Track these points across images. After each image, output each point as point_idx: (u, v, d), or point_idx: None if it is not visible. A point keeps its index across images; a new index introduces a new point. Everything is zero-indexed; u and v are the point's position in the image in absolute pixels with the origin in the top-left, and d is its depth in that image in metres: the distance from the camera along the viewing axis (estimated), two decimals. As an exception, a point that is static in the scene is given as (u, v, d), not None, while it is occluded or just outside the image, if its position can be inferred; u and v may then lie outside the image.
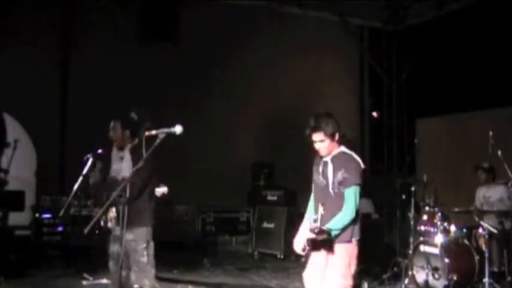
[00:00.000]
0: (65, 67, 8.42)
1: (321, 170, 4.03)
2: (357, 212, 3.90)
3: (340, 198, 3.89)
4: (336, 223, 3.82)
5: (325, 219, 3.86)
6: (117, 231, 4.75)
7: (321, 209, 3.91)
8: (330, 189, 3.94)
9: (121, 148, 4.95)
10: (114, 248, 4.76)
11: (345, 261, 3.90)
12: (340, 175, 3.89)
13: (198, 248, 9.13)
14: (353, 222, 3.90)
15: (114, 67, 8.53)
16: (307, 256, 4.04)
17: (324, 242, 3.78)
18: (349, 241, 3.91)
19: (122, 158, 4.91)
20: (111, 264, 4.81)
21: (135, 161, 4.44)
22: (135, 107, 4.98)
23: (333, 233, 3.79)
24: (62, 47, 8.47)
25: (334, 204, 3.89)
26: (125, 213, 4.04)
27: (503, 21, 8.52)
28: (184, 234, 9.16)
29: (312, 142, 3.98)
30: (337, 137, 3.98)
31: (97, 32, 8.45)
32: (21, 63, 8.10)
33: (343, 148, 4.06)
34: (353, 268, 3.96)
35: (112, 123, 4.87)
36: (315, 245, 3.82)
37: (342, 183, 3.88)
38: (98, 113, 8.47)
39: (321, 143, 3.95)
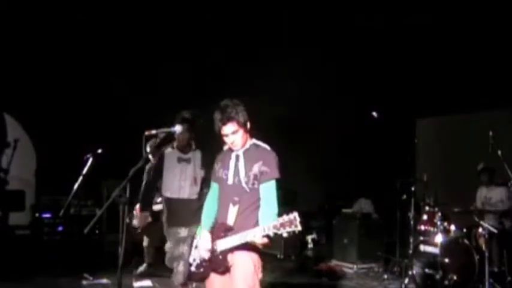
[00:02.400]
0: (66, 66, 8.42)
1: (229, 164, 3.56)
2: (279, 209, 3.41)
3: (256, 194, 3.45)
4: (269, 220, 3.29)
5: (240, 219, 3.44)
6: (182, 232, 4.94)
7: (233, 209, 3.48)
8: (244, 185, 3.46)
9: (182, 150, 5.06)
10: (182, 249, 4.92)
11: (251, 269, 3.44)
12: (256, 168, 3.43)
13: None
14: None
15: (115, 67, 8.54)
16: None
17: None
18: (255, 249, 3.45)
19: (187, 160, 5.05)
20: (181, 265, 4.92)
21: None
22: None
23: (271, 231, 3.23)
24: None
25: (249, 202, 3.45)
26: (125, 212, 4.04)
27: (503, 22, 8.52)
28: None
29: (221, 137, 3.55)
30: (249, 126, 3.55)
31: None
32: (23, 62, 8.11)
33: (254, 140, 3.62)
34: (260, 275, 3.52)
35: (182, 127, 4.50)
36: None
37: (258, 178, 3.42)
38: (99, 112, 8.53)
39: (234, 134, 3.48)
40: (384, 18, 10.58)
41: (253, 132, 3.65)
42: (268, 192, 3.43)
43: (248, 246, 3.40)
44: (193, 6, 8.68)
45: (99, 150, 6.32)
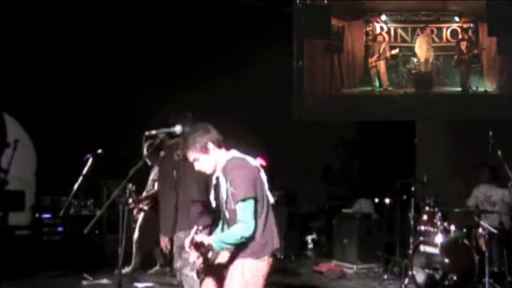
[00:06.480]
0: (66, 66, 8.41)
1: (214, 185, 3.55)
2: (255, 228, 3.32)
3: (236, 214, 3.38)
4: (228, 237, 3.32)
5: None
6: None
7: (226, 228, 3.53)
8: (226, 205, 3.43)
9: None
10: None
11: (244, 279, 3.39)
12: (229, 189, 3.37)
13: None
14: (264, 237, 3.39)
15: (113, 66, 8.53)
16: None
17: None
18: (256, 257, 3.39)
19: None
20: None
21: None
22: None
23: (221, 245, 3.31)
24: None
25: (234, 222, 3.38)
26: (125, 213, 4.04)
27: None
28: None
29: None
30: (210, 146, 3.45)
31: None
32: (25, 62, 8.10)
33: (232, 153, 3.51)
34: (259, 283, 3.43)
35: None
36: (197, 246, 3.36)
37: (233, 198, 3.35)
38: (99, 112, 8.52)
39: (196, 162, 3.49)
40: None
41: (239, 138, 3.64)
42: (240, 213, 3.32)
43: (250, 254, 3.39)
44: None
45: (99, 150, 6.32)
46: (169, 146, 4.73)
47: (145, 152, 6.11)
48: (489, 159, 6.58)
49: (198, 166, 3.51)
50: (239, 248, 3.37)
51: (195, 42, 9.14)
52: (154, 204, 5.96)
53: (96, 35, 8.45)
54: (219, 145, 3.50)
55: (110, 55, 8.50)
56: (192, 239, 3.32)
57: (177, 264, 4.52)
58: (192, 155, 3.48)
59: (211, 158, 3.47)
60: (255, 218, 3.33)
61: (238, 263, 3.40)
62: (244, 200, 3.30)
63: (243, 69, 9.28)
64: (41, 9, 8.09)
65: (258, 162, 3.54)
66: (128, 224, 6.56)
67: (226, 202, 3.42)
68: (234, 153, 3.52)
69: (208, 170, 3.52)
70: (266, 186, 3.52)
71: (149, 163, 6.11)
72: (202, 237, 3.32)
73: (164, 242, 4.54)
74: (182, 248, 4.33)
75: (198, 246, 3.30)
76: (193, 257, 3.45)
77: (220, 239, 3.32)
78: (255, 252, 3.38)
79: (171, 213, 4.44)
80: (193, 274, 4.43)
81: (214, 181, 3.53)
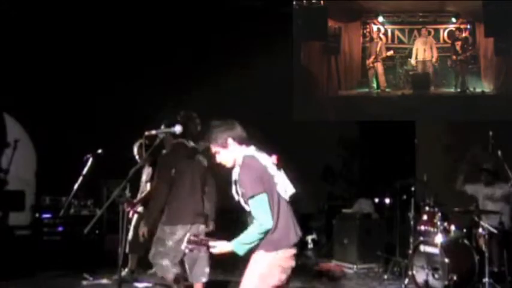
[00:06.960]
0: (66, 65, 8.42)
1: (235, 181, 3.60)
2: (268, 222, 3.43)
3: None
4: (245, 238, 3.43)
5: None
6: None
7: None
8: (244, 203, 3.55)
9: None
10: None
11: (260, 270, 3.50)
12: (238, 188, 3.53)
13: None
14: (276, 232, 3.48)
15: (113, 66, 8.54)
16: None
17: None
18: (270, 250, 3.48)
19: None
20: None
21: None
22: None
23: (242, 247, 3.42)
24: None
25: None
26: (125, 213, 4.05)
27: None
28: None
29: None
30: (230, 142, 3.57)
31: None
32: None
33: (248, 150, 3.60)
34: (273, 280, 3.55)
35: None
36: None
37: (244, 197, 3.49)
38: (99, 112, 8.53)
39: (217, 155, 3.64)
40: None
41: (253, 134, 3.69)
42: (253, 211, 3.45)
43: (266, 247, 3.48)
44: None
45: (99, 150, 6.33)
46: (172, 145, 4.81)
47: (135, 151, 6.28)
48: (487, 160, 6.58)
49: (218, 158, 3.65)
50: (260, 242, 3.47)
51: (195, 42, 9.15)
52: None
53: (97, 35, 8.46)
54: (240, 142, 3.59)
55: (110, 55, 8.51)
56: (197, 240, 3.45)
57: (151, 253, 4.88)
58: (213, 149, 3.64)
59: (230, 153, 3.59)
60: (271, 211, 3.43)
61: (254, 256, 3.52)
62: (253, 196, 3.40)
63: (243, 69, 9.28)
64: (41, 9, 8.10)
65: (271, 159, 3.65)
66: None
67: (243, 201, 3.53)
68: (250, 150, 3.60)
69: (228, 164, 3.64)
70: (278, 183, 3.65)
71: (139, 161, 6.15)
72: (220, 244, 3.44)
73: (142, 231, 4.93)
74: (160, 240, 4.79)
75: (208, 247, 3.45)
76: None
77: (239, 242, 3.43)
78: (269, 246, 3.47)
79: (158, 207, 4.83)
80: (163, 262, 4.79)
81: (233, 176, 3.61)
